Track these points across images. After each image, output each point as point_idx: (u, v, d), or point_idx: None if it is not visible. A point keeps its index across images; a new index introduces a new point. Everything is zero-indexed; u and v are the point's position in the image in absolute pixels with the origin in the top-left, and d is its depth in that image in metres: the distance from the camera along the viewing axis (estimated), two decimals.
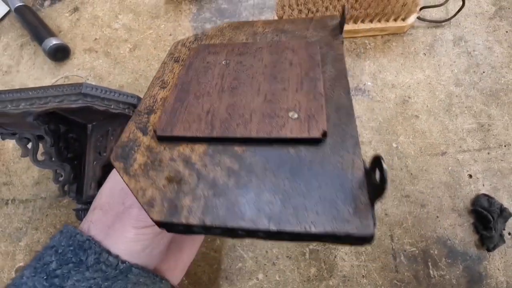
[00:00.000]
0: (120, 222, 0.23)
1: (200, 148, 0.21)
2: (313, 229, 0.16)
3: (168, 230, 0.19)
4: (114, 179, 0.26)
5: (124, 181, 0.20)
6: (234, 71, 0.25)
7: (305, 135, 0.19)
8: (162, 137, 0.21)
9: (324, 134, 0.20)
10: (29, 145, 0.41)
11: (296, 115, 0.20)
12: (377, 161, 0.16)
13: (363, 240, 0.16)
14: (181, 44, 0.30)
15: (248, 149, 0.20)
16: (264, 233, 0.17)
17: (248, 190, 0.18)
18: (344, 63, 0.25)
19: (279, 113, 0.21)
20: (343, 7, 0.27)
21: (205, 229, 0.17)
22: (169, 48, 0.26)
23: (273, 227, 0.16)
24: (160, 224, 0.18)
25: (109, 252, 0.22)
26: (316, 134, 0.19)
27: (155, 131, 0.21)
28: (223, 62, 0.25)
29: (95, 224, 0.24)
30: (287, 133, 0.19)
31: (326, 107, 0.21)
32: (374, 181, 0.17)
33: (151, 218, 0.18)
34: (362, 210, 0.16)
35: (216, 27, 0.32)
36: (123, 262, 0.22)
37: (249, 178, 0.19)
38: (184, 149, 0.21)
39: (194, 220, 0.17)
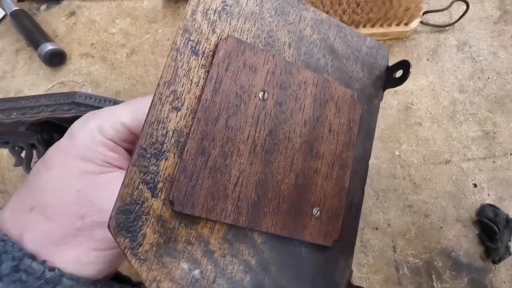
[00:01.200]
0: (74, 241, 0.18)
1: (220, 230, 0.20)
2: None
3: None
4: (65, 167, 0.19)
5: (131, 265, 0.17)
6: (270, 118, 0.22)
7: (320, 241, 0.22)
8: (180, 212, 0.18)
9: (335, 241, 0.23)
10: (23, 154, 0.40)
11: (318, 213, 0.23)
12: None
13: None
14: (202, 12, 0.21)
15: (266, 241, 0.21)
16: None
17: None
18: (372, 139, 0.27)
19: (305, 207, 0.22)
20: (407, 63, 0.25)
21: None
22: (183, 15, 0.20)
23: None
24: None
25: (33, 257, 0.17)
26: (328, 243, 0.23)
27: (171, 202, 0.18)
28: (260, 95, 0.22)
29: (32, 234, 0.18)
30: (306, 237, 0.22)
31: (345, 207, 0.24)
32: None
33: None
34: None
35: None
36: (51, 269, 0.17)
37: (263, 277, 0.21)
38: (203, 228, 0.19)
39: None
